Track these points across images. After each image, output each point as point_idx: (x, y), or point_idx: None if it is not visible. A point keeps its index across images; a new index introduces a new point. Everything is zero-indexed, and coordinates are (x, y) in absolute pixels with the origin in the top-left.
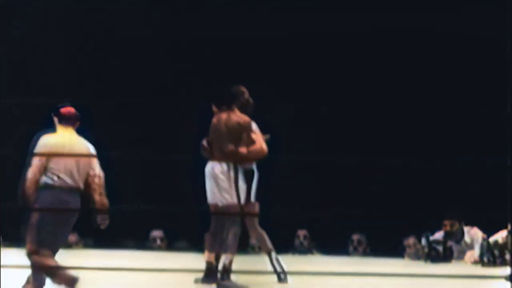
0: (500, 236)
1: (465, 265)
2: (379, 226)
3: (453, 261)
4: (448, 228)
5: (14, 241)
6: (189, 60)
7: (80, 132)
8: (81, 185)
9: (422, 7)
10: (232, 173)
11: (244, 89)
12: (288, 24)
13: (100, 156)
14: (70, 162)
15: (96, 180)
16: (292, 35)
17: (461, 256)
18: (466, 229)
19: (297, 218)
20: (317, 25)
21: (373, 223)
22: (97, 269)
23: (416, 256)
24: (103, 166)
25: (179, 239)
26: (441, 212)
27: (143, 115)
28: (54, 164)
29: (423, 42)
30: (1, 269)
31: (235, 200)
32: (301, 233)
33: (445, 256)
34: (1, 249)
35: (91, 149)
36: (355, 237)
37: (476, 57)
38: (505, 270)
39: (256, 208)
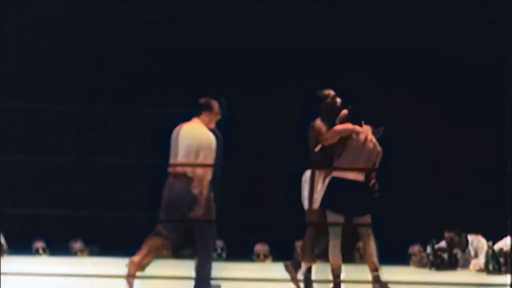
0: (504, 243)
1: (471, 273)
2: (384, 234)
3: (459, 269)
4: (449, 241)
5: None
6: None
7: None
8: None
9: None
10: (309, 180)
11: (329, 92)
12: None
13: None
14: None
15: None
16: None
17: (466, 264)
18: (470, 238)
19: (299, 227)
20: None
21: (379, 231)
22: (103, 277)
23: (421, 264)
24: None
25: (184, 246)
26: (445, 220)
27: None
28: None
29: (423, 43)
30: (1, 276)
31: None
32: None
33: (450, 264)
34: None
35: (208, 141)
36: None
37: (475, 60)
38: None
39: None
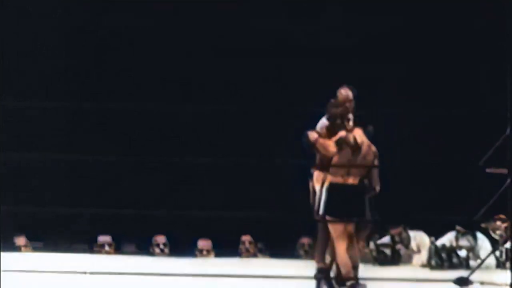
0: (447, 238)
1: (414, 269)
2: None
3: (402, 265)
4: (396, 238)
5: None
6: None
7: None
8: None
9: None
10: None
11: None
12: None
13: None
14: None
15: None
16: None
17: (409, 260)
18: (412, 233)
19: (243, 222)
20: None
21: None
22: (47, 272)
23: (364, 260)
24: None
25: (127, 243)
26: (389, 215)
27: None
28: None
29: (420, 38)
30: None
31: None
32: (246, 238)
33: (393, 259)
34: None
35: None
36: (305, 240)
37: (475, 56)
38: (453, 274)
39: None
